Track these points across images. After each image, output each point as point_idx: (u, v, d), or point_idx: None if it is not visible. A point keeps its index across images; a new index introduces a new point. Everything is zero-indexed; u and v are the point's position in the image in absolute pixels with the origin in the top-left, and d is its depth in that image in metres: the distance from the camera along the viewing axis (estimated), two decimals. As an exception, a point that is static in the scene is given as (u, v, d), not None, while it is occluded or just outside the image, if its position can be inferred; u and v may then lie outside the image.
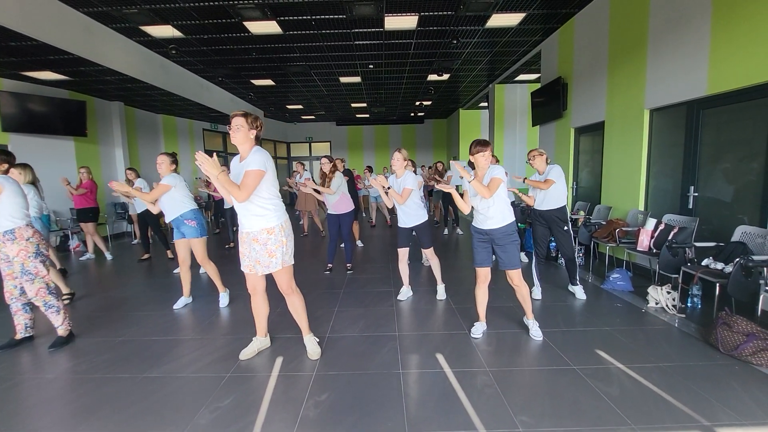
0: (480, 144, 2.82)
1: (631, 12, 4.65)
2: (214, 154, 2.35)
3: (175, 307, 3.82)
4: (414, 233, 3.91)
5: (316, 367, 2.62)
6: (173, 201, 3.65)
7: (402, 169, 3.75)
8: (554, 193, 3.76)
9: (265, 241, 2.49)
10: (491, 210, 2.84)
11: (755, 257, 2.91)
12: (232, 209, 6.67)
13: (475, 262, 3.00)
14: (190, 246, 3.77)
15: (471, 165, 2.98)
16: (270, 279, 2.70)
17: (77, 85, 7.19)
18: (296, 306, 2.74)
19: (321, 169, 4.91)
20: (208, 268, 3.82)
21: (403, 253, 3.89)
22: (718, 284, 3.08)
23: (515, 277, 2.93)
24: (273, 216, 2.51)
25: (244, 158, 2.46)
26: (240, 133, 2.42)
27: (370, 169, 10.03)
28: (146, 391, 2.36)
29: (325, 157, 4.93)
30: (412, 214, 3.79)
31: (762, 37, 3.14)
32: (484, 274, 2.99)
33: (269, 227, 2.50)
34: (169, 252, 6.07)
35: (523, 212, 5.71)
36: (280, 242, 2.52)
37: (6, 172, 2.97)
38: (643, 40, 4.45)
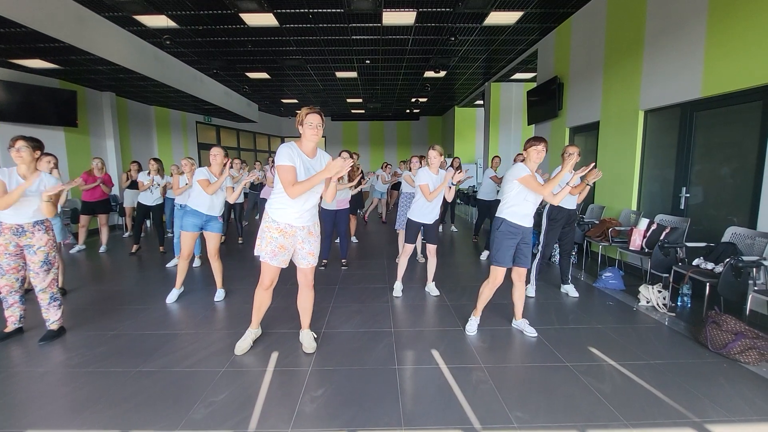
0: (534, 139, 2.79)
1: (628, 13, 4.69)
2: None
3: (167, 300, 3.78)
4: (422, 228, 3.88)
5: (312, 362, 2.62)
6: (220, 199, 3.74)
7: (437, 167, 3.69)
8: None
9: (318, 233, 2.67)
10: (533, 208, 2.86)
11: (745, 258, 2.97)
12: (241, 205, 6.66)
13: (503, 262, 2.85)
14: (195, 240, 3.83)
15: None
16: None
17: (68, 74, 7.04)
18: (309, 300, 2.77)
19: None
20: (217, 264, 3.82)
21: (411, 248, 3.89)
22: (708, 284, 3.14)
23: (524, 274, 2.97)
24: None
25: (314, 156, 2.51)
26: (320, 131, 2.46)
27: (404, 162, 9.85)
28: (140, 386, 2.34)
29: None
30: (435, 211, 3.78)
31: (756, 41, 3.19)
32: (503, 275, 2.91)
33: (317, 221, 2.67)
34: (162, 247, 6.00)
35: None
36: (320, 232, 2.74)
37: (38, 159, 2.92)
38: (640, 41, 4.48)
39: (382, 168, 9.24)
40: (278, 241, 2.50)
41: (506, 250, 2.85)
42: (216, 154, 3.71)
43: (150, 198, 5.74)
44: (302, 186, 2.33)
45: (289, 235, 2.52)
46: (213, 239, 3.75)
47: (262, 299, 2.72)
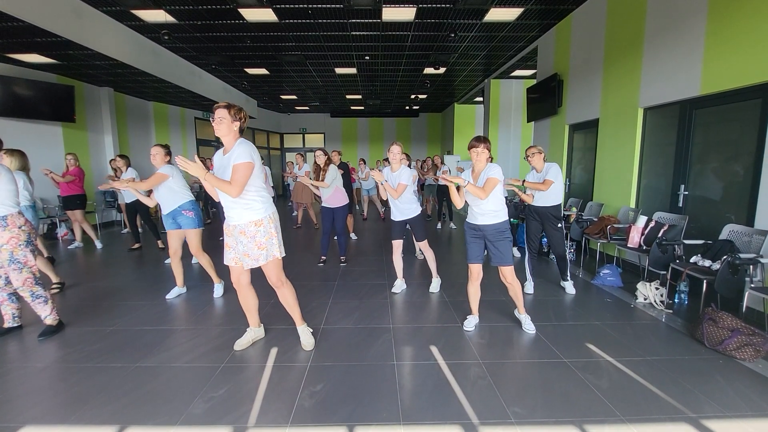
0: (475, 140, 2.82)
1: (629, 10, 4.67)
2: (195, 156, 2.37)
3: (167, 297, 3.79)
4: (408, 226, 3.94)
5: (311, 357, 2.63)
6: (171, 192, 3.60)
7: (398, 163, 3.76)
8: (552, 190, 3.77)
9: (254, 233, 2.47)
10: (483, 206, 2.85)
11: (742, 255, 2.98)
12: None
13: (468, 258, 3.03)
14: (183, 237, 3.74)
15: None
16: (257, 271, 2.67)
17: (65, 69, 7.00)
18: (287, 298, 2.73)
19: (315, 161, 4.89)
20: (202, 260, 3.79)
21: (397, 245, 3.91)
22: (705, 281, 3.15)
23: (508, 274, 2.95)
24: (261, 208, 2.48)
25: (228, 150, 2.45)
26: (223, 125, 2.41)
27: (364, 161, 9.98)
28: (139, 381, 2.34)
29: (320, 149, 4.91)
30: (404, 208, 3.83)
31: (755, 39, 3.19)
32: (476, 271, 3.02)
33: (257, 219, 2.47)
34: (159, 242, 5.99)
35: (516, 207, 5.76)
36: (270, 234, 2.50)
37: None
38: (640, 38, 4.48)
39: (358, 165, 9.30)
40: (226, 240, 2.57)
41: (468, 246, 3.03)
42: (155, 153, 3.63)
43: (129, 195, 5.62)
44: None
45: (229, 234, 2.55)
46: (190, 236, 3.70)
47: (241, 298, 2.76)
